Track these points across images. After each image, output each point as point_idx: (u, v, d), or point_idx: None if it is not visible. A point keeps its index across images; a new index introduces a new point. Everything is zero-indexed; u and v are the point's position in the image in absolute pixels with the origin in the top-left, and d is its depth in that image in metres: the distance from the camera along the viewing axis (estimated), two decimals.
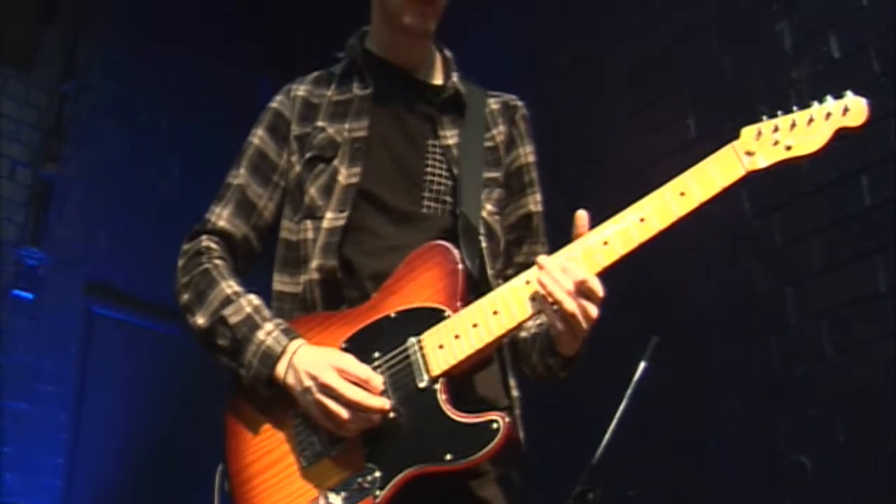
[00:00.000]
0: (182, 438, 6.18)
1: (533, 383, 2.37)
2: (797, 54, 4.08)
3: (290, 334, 2.16)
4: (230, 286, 2.27)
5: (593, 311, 1.97)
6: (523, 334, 2.31)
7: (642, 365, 3.35)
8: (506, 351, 2.34)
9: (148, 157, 7.19)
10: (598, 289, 1.97)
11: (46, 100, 6.78)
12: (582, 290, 1.95)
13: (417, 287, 2.14)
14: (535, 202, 2.52)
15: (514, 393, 2.32)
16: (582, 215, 2.06)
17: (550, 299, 1.97)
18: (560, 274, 1.97)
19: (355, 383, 2.02)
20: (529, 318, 2.07)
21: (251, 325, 2.18)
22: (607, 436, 3.27)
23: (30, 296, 6.37)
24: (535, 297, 2.02)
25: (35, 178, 6.61)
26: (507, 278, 2.34)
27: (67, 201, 6.74)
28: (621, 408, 3.30)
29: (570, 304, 1.95)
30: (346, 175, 2.33)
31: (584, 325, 1.98)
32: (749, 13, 4.37)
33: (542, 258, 2.03)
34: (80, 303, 6.67)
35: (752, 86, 4.22)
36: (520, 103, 2.60)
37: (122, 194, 6.96)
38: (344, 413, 2.01)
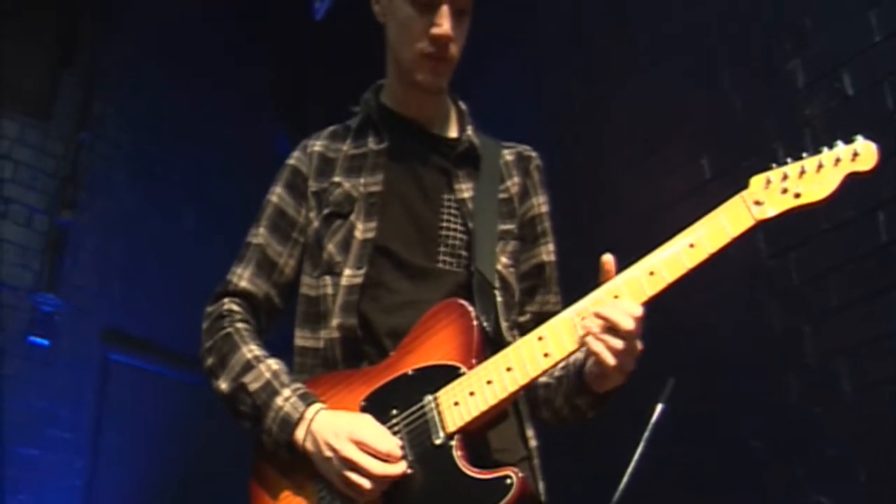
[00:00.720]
0: (198, 486, 6.18)
1: (552, 429, 2.36)
2: (810, 92, 4.08)
3: (308, 399, 2.16)
4: (251, 350, 2.28)
5: (639, 346, 2.00)
6: (544, 380, 2.30)
7: (659, 407, 3.33)
8: (521, 402, 2.33)
9: (161, 206, 7.25)
10: (638, 326, 1.97)
11: (63, 148, 6.86)
12: (637, 327, 1.97)
13: (434, 345, 2.15)
14: (547, 252, 2.53)
15: (533, 443, 2.32)
16: (608, 259, 2.06)
17: (605, 337, 1.97)
18: (615, 307, 1.98)
19: (375, 456, 2.03)
20: (546, 372, 2.07)
21: (270, 391, 2.19)
22: (625, 479, 3.25)
23: (45, 342, 6.40)
24: (581, 336, 2.01)
25: (51, 225, 6.67)
26: (519, 325, 2.36)
27: (82, 249, 6.79)
28: (639, 450, 3.28)
29: (620, 343, 1.95)
30: (362, 230, 2.35)
31: (631, 361, 1.99)
32: (761, 51, 4.37)
33: (600, 291, 2.04)
34: (96, 349, 6.70)
35: (765, 124, 4.21)
36: (534, 154, 2.61)
37: (135, 242, 7.01)
38: (366, 484, 2.01)
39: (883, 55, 3.79)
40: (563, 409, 2.26)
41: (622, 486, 3.25)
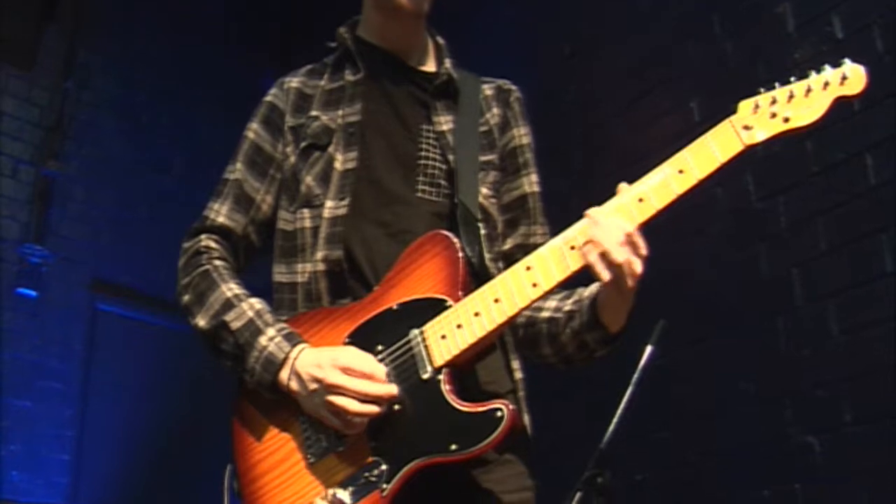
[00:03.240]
0: (188, 433, 6.20)
1: (542, 372, 2.35)
2: (800, 36, 4.06)
3: (293, 340, 2.15)
4: (230, 289, 2.26)
5: (638, 266, 1.95)
6: (550, 314, 2.26)
7: (649, 349, 3.33)
8: (507, 334, 2.31)
9: (149, 153, 7.21)
10: (643, 243, 1.96)
11: (48, 98, 6.80)
12: (629, 243, 1.94)
13: (419, 278, 2.13)
14: (529, 183, 2.49)
15: (518, 375, 2.31)
16: (625, 186, 2.04)
17: (599, 249, 1.94)
18: (608, 223, 1.96)
19: (361, 377, 2.02)
20: (536, 301, 2.05)
21: (253, 329, 2.17)
22: (615, 420, 3.25)
23: (33, 293, 6.39)
24: (579, 249, 1.99)
25: (37, 176, 6.63)
26: (505, 256, 2.33)
27: (70, 199, 6.76)
28: (628, 392, 3.29)
29: (620, 254, 1.93)
30: (342, 161, 2.32)
31: (630, 281, 1.96)
32: None
33: (590, 210, 2.01)
34: (84, 299, 6.70)
35: (755, 68, 4.20)
36: (513, 87, 2.58)
37: (123, 190, 6.99)
38: (353, 406, 2.00)
39: None
40: (569, 345, 2.22)
41: (611, 428, 3.25)
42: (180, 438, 6.35)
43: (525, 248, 2.17)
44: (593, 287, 2.14)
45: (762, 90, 2.02)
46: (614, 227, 1.94)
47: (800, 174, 3.92)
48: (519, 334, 2.34)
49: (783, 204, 4.03)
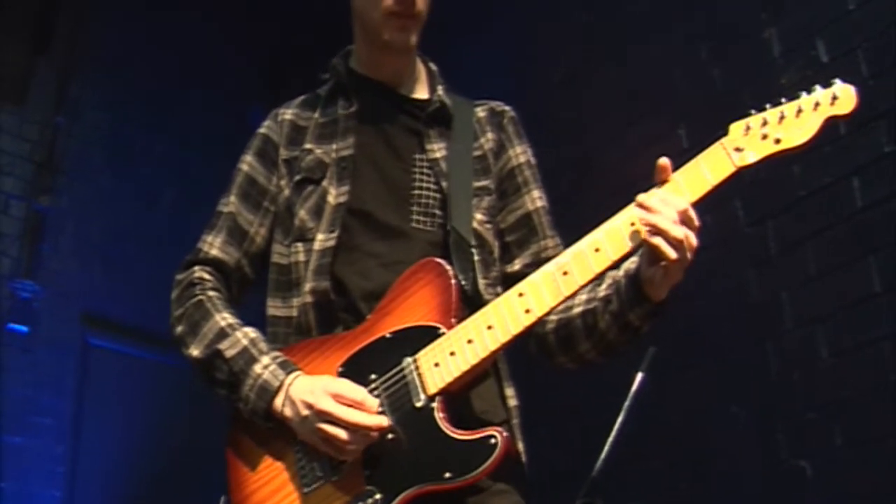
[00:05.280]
0: (181, 468, 6.16)
1: (532, 398, 2.35)
2: (786, 61, 4.09)
3: (287, 367, 2.15)
4: (224, 318, 2.27)
5: (694, 239, 1.95)
6: (578, 309, 2.23)
7: (640, 376, 3.34)
8: (501, 361, 2.31)
9: (140, 188, 7.19)
10: (696, 216, 1.96)
11: (39, 133, 6.78)
12: (684, 219, 1.94)
13: (411, 306, 2.13)
14: (532, 200, 2.47)
15: (512, 403, 2.30)
16: (664, 162, 2.04)
17: (655, 230, 1.93)
18: (662, 205, 1.95)
19: (351, 406, 2.02)
20: (528, 329, 2.05)
21: (248, 358, 2.18)
22: (607, 447, 3.26)
23: (24, 329, 6.35)
24: (635, 233, 1.98)
25: (29, 210, 6.61)
26: (516, 276, 2.26)
27: (61, 233, 6.73)
28: (620, 419, 3.29)
29: (678, 231, 1.92)
30: (335, 195, 2.33)
31: (689, 255, 1.95)
32: (737, 21, 4.38)
33: (640, 196, 2.00)
34: (76, 334, 6.65)
35: (742, 93, 4.22)
36: (507, 108, 2.58)
37: (115, 225, 6.95)
38: (343, 435, 2.00)
39: (857, 23, 3.81)
40: (610, 330, 2.16)
41: (603, 455, 3.25)
42: (173, 474, 6.30)
43: (539, 265, 2.13)
44: (628, 265, 2.11)
45: (753, 112, 2.03)
46: (669, 208, 1.93)
47: (787, 198, 3.95)
48: (550, 341, 2.30)
49: (772, 228, 4.05)
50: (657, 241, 1.93)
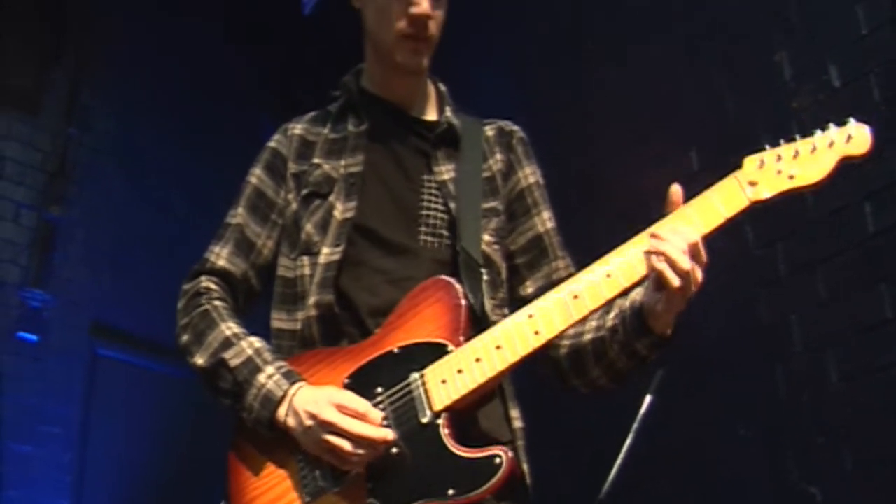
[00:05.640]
0: (187, 478, 6.15)
1: (539, 421, 2.35)
2: (797, 84, 4.09)
3: (292, 377, 2.16)
4: (230, 328, 2.28)
5: (700, 274, 1.95)
6: (588, 336, 2.24)
7: (648, 399, 3.34)
8: (506, 383, 2.31)
9: (151, 198, 7.22)
10: (704, 252, 1.96)
11: (50, 143, 6.82)
12: (693, 252, 1.94)
13: (420, 322, 2.14)
14: (542, 221, 2.49)
15: (517, 424, 2.30)
16: (676, 190, 2.04)
17: (663, 257, 1.93)
18: (671, 234, 1.95)
19: (354, 417, 2.02)
20: (538, 349, 2.05)
21: (252, 367, 2.18)
22: (614, 470, 3.25)
23: (34, 338, 6.38)
24: (646, 261, 1.98)
25: (39, 220, 6.64)
26: (527, 300, 2.26)
27: (72, 243, 6.76)
28: (628, 442, 3.29)
29: (685, 262, 1.91)
30: (341, 210, 2.34)
31: (693, 288, 1.95)
32: (749, 44, 4.38)
33: (653, 227, 2.00)
34: (85, 344, 6.68)
35: (753, 116, 4.22)
36: (515, 128, 2.59)
37: (125, 235, 6.98)
38: (346, 446, 2.01)
39: (869, 48, 3.80)
40: (619, 359, 2.17)
41: (611, 477, 3.25)
42: (178, 484, 6.31)
43: (552, 287, 2.14)
44: (634, 296, 2.12)
45: (767, 146, 2.03)
46: (679, 238, 1.94)
47: (798, 222, 3.94)
48: (563, 365, 2.31)
49: (782, 252, 4.04)
50: (662, 266, 1.93)
